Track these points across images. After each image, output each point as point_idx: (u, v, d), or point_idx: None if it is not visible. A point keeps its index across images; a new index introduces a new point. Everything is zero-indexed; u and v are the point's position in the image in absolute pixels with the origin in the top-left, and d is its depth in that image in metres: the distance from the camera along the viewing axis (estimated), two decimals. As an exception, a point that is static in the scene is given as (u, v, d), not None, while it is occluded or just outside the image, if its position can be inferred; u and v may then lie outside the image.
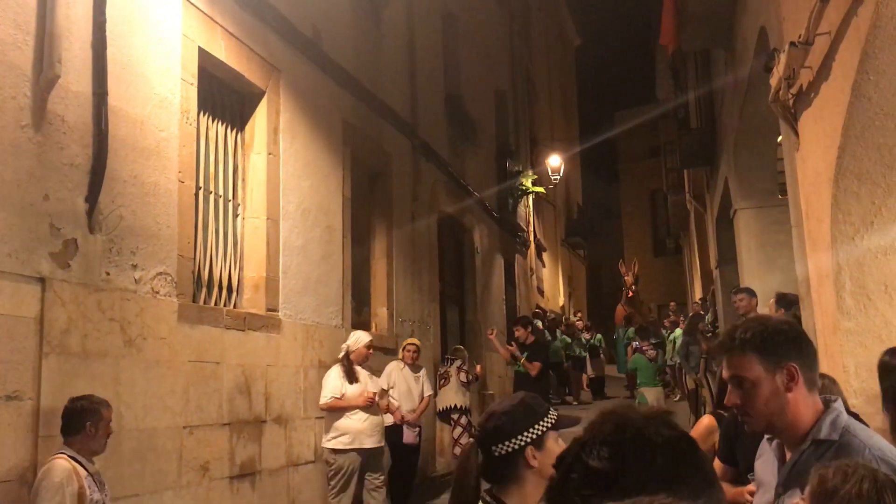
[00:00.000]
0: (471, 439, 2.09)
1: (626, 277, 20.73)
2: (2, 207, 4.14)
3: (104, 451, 4.13)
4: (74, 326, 4.54)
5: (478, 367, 10.63)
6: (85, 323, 4.62)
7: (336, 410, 6.79)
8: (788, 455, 2.08)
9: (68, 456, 3.90)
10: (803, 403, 2.01)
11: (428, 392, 8.39)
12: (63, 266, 4.51)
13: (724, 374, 2.08)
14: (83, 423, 3.95)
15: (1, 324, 4.07)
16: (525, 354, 9.93)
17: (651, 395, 10.49)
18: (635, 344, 12.74)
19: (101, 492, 4.01)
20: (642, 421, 1.09)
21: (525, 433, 1.97)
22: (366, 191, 9.36)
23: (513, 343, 9.53)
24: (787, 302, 6.35)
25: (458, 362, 10.00)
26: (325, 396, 6.80)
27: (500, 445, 1.97)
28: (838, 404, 2.06)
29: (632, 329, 17.52)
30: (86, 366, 4.60)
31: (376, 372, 7.67)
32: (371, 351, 7.13)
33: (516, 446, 1.97)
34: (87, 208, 4.72)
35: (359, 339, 7.07)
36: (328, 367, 7.05)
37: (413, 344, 8.35)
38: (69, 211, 4.60)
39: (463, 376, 9.91)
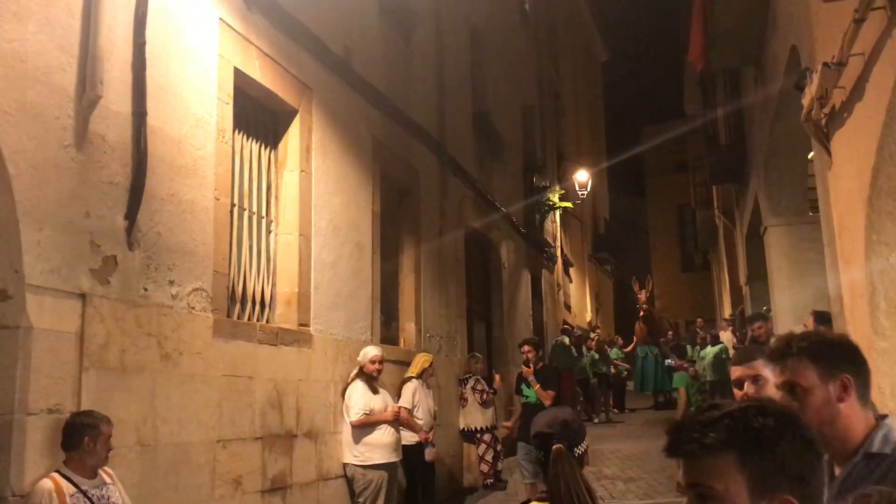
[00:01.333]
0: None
1: (638, 295, 20.77)
2: (45, 225, 4.24)
3: (105, 464, 4.19)
4: (113, 341, 4.62)
5: (497, 379, 10.57)
6: (123, 338, 4.70)
7: (366, 426, 6.89)
8: (837, 472, 2.07)
9: (61, 474, 4.01)
10: (855, 416, 2.01)
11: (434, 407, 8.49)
12: (103, 282, 4.61)
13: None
14: (81, 438, 4.03)
15: (43, 339, 4.16)
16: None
17: None
18: (668, 361, 12.46)
19: None
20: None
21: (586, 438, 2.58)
22: (394, 207, 9.44)
23: (528, 365, 8.26)
24: (824, 319, 6.31)
25: (471, 381, 10.00)
26: (357, 413, 6.88)
27: (578, 447, 2.60)
28: (890, 421, 2.05)
29: (641, 348, 17.47)
30: (123, 380, 4.69)
31: (391, 387, 7.73)
32: (378, 365, 7.17)
33: (585, 448, 2.61)
34: (127, 225, 4.82)
35: (367, 352, 7.16)
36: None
37: (431, 362, 8.39)
38: (109, 228, 4.70)
39: (478, 396, 9.91)
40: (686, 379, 9.87)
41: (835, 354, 2.03)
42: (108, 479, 4.27)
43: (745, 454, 1.28)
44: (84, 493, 4.07)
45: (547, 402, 7.79)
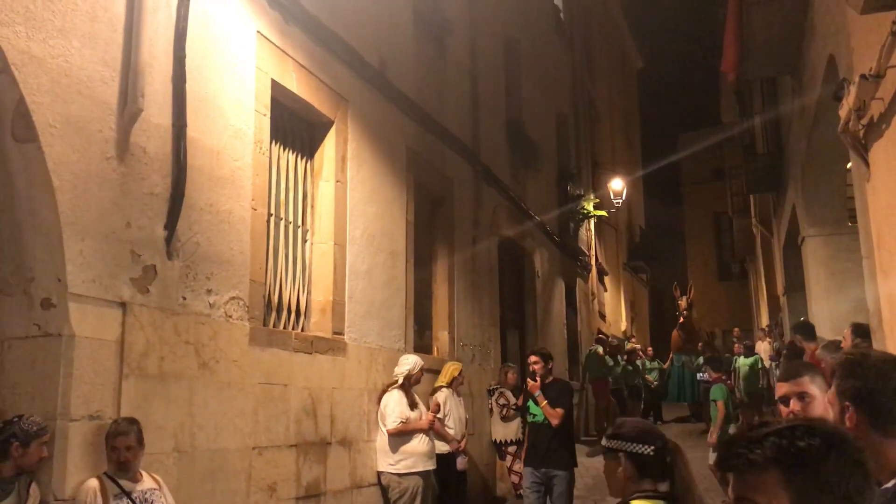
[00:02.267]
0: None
1: (679, 302, 20.25)
2: (87, 235, 4.35)
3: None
4: (152, 349, 4.72)
5: (509, 374, 10.21)
6: (162, 346, 4.80)
7: (402, 434, 6.95)
8: None
9: (107, 475, 4.18)
10: (881, 446, 1.99)
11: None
12: (143, 291, 4.70)
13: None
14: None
15: (85, 346, 4.26)
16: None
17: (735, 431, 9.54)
18: (701, 375, 12.03)
19: None
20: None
21: None
22: (428, 216, 9.49)
23: (535, 378, 7.15)
24: (863, 332, 6.22)
25: (495, 394, 9.95)
26: (394, 421, 6.93)
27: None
28: None
29: (700, 357, 16.99)
30: (162, 387, 4.78)
31: (422, 395, 7.76)
32: (421, 374, 7.44)
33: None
34: (166, 235, 4.92)
35: (416, 363, 7.25)
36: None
37: (461, 371, 8.40)
38: (149, 238, 4.80)
39: (500, 410, 9.84)
40: (725, 392, 9.49)
41: (845, 375, 2.01)
42: (154, 485, 4.37)
43: (788, 472, 1.32)
44: (128, 495, 4.18)
45: (555, 422, 6.92)
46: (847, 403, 1.98)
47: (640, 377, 16.93)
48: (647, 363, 17.32)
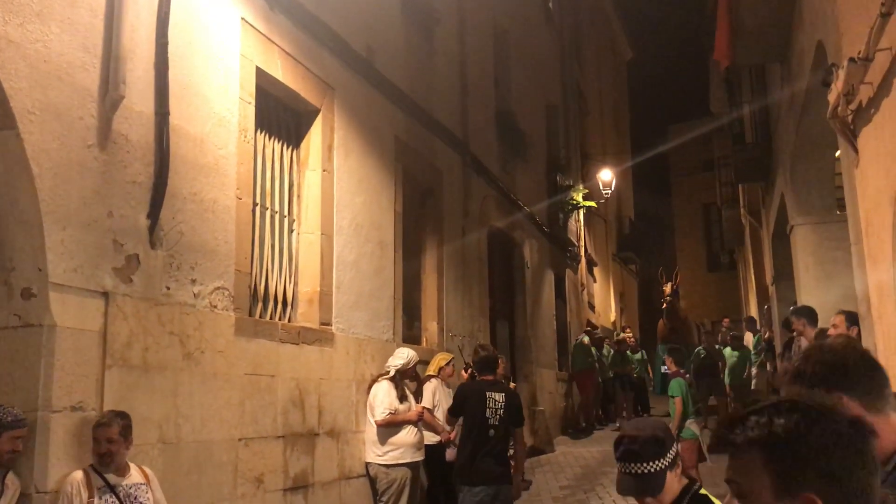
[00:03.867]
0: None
1: (663, 287, 19.69)
2: (68, 224, 4.28)
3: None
4: (136, 340, 4.66)
5: (512, 386, 10.27)
6: (146, 336, 4.74)
7: (391, 426, 6.91)
8: None
9: (93, 469, 4.15)
10: (881, 427, 1.95)
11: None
12: (125, 281, 4.64)
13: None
14: None
15: (67, 337, 4.20)
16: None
17: (697, 428, 8.76)
18: (666, 368, 10.93)
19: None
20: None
21: None
22: (417, 206, 9.44)
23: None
24: (852, 320, 6.18)
25: None
26: (383, 412, 6.89)
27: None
28: None
29: (661, 346, 16.45)
30: (146, 378, 4.72)
31: (411, 385, 7.72)
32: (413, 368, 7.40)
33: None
34: (149, 224, 4.86)
35: (412, 358, 7.20)
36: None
37: (449, 361, 8.34)
38: (132, 227, 4.73)
39: None
40: (683, 387, 8.79)
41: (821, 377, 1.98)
42: (142, 480, 4.31)
43: (768, 452, 1.27)
44: (112, 489, 4.13)
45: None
46: (839, 394, 1.94)
47: (627, 365, 16.44)
48: (629, 354, 16.62)
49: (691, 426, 8.52)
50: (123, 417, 4.24)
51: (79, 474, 4.11)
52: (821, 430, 1.26)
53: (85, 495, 4.03)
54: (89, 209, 4.44)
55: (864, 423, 1.31)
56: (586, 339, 15.30)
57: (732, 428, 1.33)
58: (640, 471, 2.68)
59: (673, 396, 8.71)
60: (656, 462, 2.67)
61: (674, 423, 8.55)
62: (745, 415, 1.33)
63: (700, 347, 14.79)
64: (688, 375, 9.30)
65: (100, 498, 4.08)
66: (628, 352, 16.56)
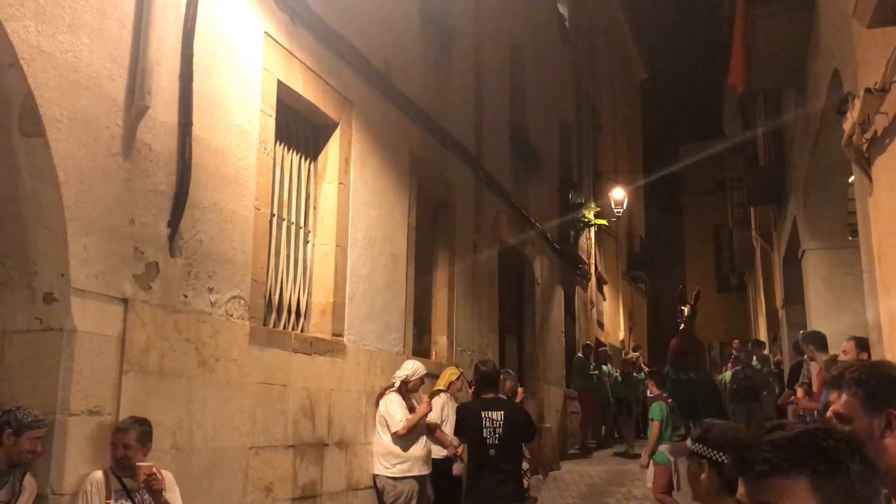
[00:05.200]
0: None
1: (681, 308, 19.01)
2: (91, 231, 4.36)
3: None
4: (153, 346, 4.72)
5: (520, 392, 10.34)
6: (163, 343, 4.80)
7: (409, 435, 6.95)
8: None
9: (111, 471, 4.23)
10: None
11: None
12: (145, 288, 4.71)
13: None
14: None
15: (86, 341, 4.27)
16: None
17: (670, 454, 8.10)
18: (651, 393, 10.32)
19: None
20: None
21: None
22: (430, 220, 9.51)
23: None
24: (861, 346, 6.21)
25: None
26: (400, 421, 6.93)
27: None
28: None
29: (643, 372, 15.85)
30: (162, 384, 4.78)
31: (420, 399, 7.75)
32: (423, 384, 7.44)
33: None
34: (169, 233, 4.93)
35: (417, 370, 7.24)
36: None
37: (459, 376, 8.36)
38: (152, 235, 4.81)
39: None
40: (663, 411, 8.44)
41: (881, 387, 2.02)
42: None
43: (818, 476, 1.30)
44: (128, 493, 4.19)
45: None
46: (893, 412, 1.98)
47: (633, 391, 15.59)
48: (635, 376, 15.86)
49: (665, 451, 8.10)
50: (143, 424, 4.31)
51: (99, 474, 4.20)
52: (861, 459, 1.34)
53: (102, 496, 4.10)
54: (112, 216, 4.51)
55: None
56: (580, 355, 15.22)
57: (777, 450, 1.34)
58: (694, 450, 2.72)
59: (652, 419, 8.48)
60: None
61: (647, 446, 8.41)
62: (788, 439, 1.35)
63: (737, 369, 13.82)
64: (670, 400, 8.92)
65: (115, 501, 4.14)
66: (634, 374, 15.91)
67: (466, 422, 6.06)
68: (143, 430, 4.29)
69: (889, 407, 1.99)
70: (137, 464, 4.22)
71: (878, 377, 2.04)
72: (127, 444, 4.24)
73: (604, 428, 16.45)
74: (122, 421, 4.32)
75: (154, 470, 4.23)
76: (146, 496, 4.27)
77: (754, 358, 15.27)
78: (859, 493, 1.30)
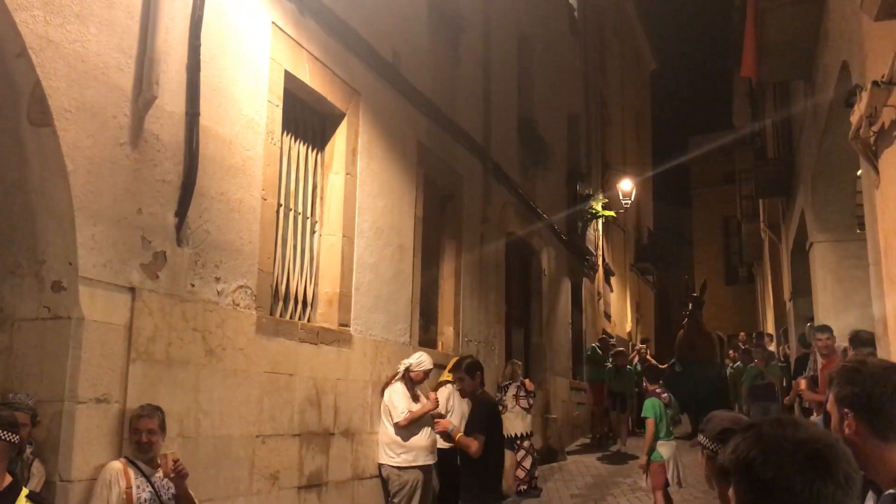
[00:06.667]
0: None
1: (686, 299, 18.31)
2: (99, 220, 4.39)
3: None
4: (160, 335, 4.76)
5: (527, 382, 10.48)
6: (170, 332, 4.84)
7: (410, 426, 6.98)
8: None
9: (128, 460, 4.29)
10: (876, 452, 1.98)
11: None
12: (152, 277, 4.74)
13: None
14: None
15: (94, 330, 4.30)
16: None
17: (667, 451, 8.09)
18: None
19: (160, 493, 4.29)
20: None
21: None
22: (437, 211, 9.52)
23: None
24: (861, 341, 6.21)
25: (513, 389, 10.01)
26: (402, 413, 6.96)
27: None
28: None
29: (675, 361, 15.50)
30: (169, 373, 4.82)
31: (426, 389, 7.78)
32: (428, 377, 7.43)
33: None
34: (177, 222, 4.96)
35: (422, 361, 7.25)
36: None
37: None
38: (160, 225, 4.84)
39: (523, 402, 9.95)
40: (656, 407, 8.18)
41: (842, 382, 2.00)
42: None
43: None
44: (148, 479, 4.25)
45: (472, 449, 5.82)
46: (846, 410, 1.99)
47: (629, 385, 14.82)
48: (630, 369, 15.10)
49: (661, 448, 8.06)
50: (161, 411, 4.40)
51: (117, 464, 4.25)
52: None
53: (123, 484, 4.17)
54: (120, 206, 4.54)
55: None
56: (596, 345, 15.20)
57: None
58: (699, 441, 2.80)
59: (645, 417, 8.31)
60: None
61: (644, 444, 8.32)
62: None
63: (750, 366, 13.03)
64: (664, 395, 8.61)
65: (137, 487, 4.20)
66: (628, 367, 15.12)
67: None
68: (162, 416, 4.39)
69: (844, 406, 2.00)
70: (162, 452, 4.31)
71: (848, 371, 2.04)
72: (152, 429, 4.32)
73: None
74: (141, 407, 4.37)
75: (178, 456, 4.31)
76: (164, 482, 4.31)
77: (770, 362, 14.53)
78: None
